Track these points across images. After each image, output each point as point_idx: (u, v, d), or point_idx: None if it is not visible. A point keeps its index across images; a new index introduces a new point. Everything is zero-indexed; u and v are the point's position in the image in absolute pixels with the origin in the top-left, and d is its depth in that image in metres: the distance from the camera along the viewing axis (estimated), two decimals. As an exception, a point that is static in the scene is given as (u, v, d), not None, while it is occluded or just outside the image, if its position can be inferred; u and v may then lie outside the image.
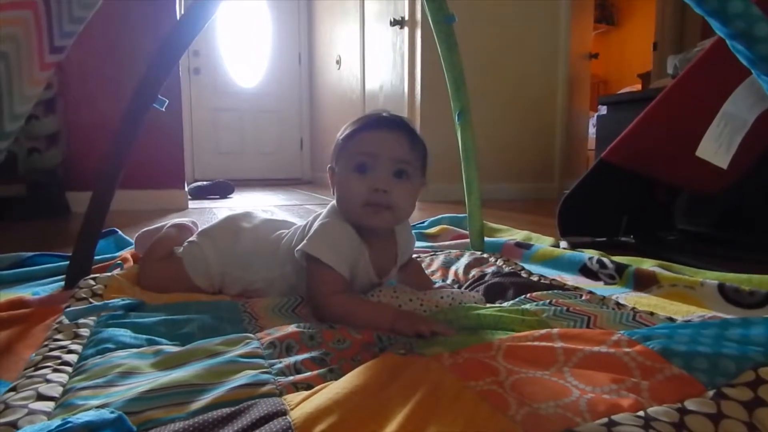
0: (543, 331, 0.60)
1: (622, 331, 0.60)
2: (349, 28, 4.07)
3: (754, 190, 1.47)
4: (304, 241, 0.76)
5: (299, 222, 0.89)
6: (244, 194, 3.65)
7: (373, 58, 3.70)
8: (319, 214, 0.83)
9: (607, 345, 0.56)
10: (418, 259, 1.16)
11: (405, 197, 0.76)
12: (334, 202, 0.82)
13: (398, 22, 3.22)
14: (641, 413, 0.44)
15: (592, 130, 3.78)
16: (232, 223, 0.93)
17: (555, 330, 0.60)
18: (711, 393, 0.46)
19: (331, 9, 4.53)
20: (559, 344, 0.56)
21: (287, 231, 0.88)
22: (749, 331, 0.58)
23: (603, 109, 2.51)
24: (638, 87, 3.97)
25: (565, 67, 3.44)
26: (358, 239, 0.78)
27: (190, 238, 0.93)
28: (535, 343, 0.57)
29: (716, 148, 0.98)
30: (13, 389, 0.49)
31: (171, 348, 0.60)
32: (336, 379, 0.51)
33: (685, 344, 0.53)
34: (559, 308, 0.73)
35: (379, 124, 0.77)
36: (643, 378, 0.50)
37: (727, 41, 0.60)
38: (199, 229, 0.95)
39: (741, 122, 0.93)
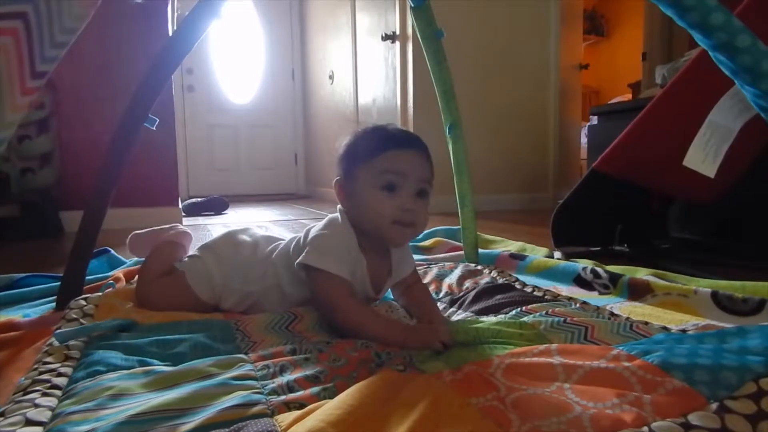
0: (542, 347, 0.60)
1: (620, 346, 0.60)
2: (342, 43, 4.10)
3: (747, 198, 1.47)
4: (303, 254, 0.76)
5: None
6: (238, 210, 3.64)
7: (366, 72, 3.73)
8: (313, 226, 0.83)
9: (606, 360, 0.55)
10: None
11: (425, 215, 0.79)
12: (333, 215, 0.82)
13: (390, 37, 3.25)
14: (645, 429, 0.43)
15: (584, 140, 3.80)
16: (232, 236, 0.94)
17: (554, 345, 0.60)
18: (714, 406, 0.46)
19: (324, 25, 4.58)
20: (558, 360, 0.56)
21: (283, 242, 0.88)
22: (746, 341, 0.58)
23: (594, 119, 2.54)
24: (629, 96, 4.01)
25: (556, 79, 3.47)
26: (357, 249, 0.78)
27: (191, 252, 0.93)
28: (534, 359, 0.57)
29: (703, 157, 0.99)
30: (1, 414, 0.49)
31: (163, 368, 0.60)
32: (330, 398, 0.50)
33: (684, 357, 0.53)
34: (556, 319, 0.73)
35: (408, 144, 0.78)
36: (644, 392, 0.49)
37: (710, 52, 0.61)
38: (199, 245, 0.95)
39: (727, 131, 0.94)
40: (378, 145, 0.77)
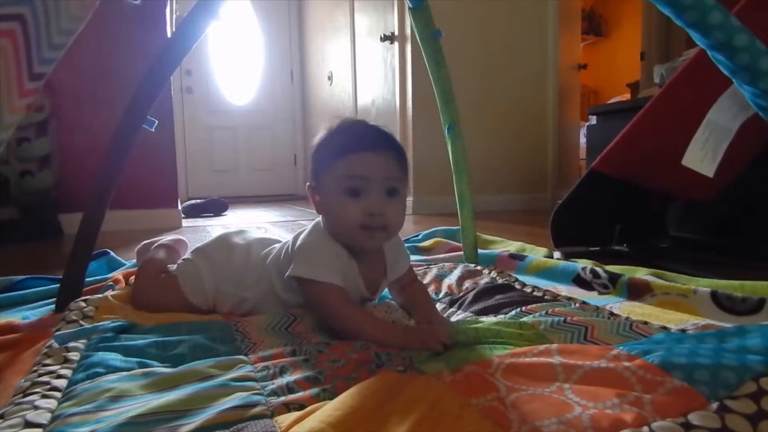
0: (542, 347, 0.60)
1: (620, 346, 0.59)
2: (340, 44, 4.10)
3: (746, 198, 1.47)
4: (293, 265, 0.75)
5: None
6: (238, 211, 3.64)
7: (365, 73, 3.73)
8: (301, 232, 0.82)
9: (606, 360, 0.55)
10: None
11: (397, 215, 0.77)
12: (318, 219, 0.82)
13: (388, 38, 3.25)
14: (645, 429, 0.43)
15: (583, 140, 3.80)
16: (225, 240, 0.93)
17: (554, 345, 0.60)
18: (714, 406, 0.46)
19: (322, 26, 4.58)
20: (558, 360, 0.56)
21: (278, 245, 0.88)
22: (746, 340, 0.58)
23: (593, 119, 2.54)
24: (628, 96, 4.00)
25: (554, 79, 3.48)
26: (346, 254, 0.78)
27: (185, 256, 0.93)
28: (534, 360, 0.57)
29: (702, 156, 0.99)
30: (1, 417, 0.49)
31: (162, 370, 0.60)
32: (330, 399, 0.50)
33: (684, 356, 0.53)
34: (555, 319, 0.73)
35: (368, 145, 0.74)
36: (645, 392, 0.49)
37: (708, 52, 0.61)
38: (194, 248, 0.95)
39: (725, 131, 0.94)
40: (339, 149, 0.75)
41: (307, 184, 0.81)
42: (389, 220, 0.75)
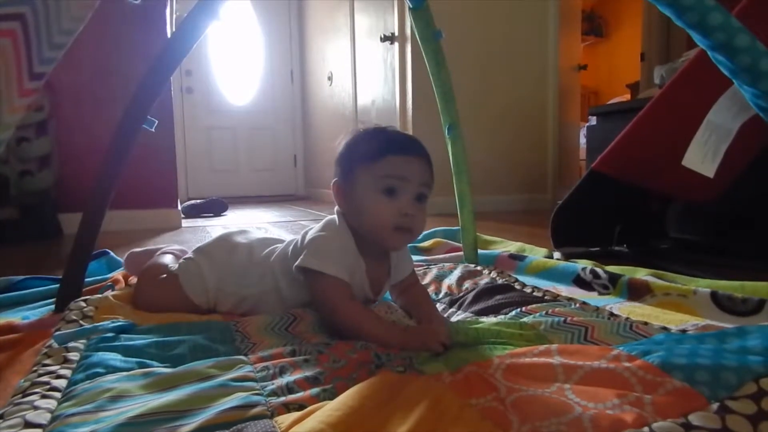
0: (542, 348, 0.60)
1: (620, 347, 0.59)
2: (340, 44, 4.10)
3: (746, 198, 1.48)
4: (301, 257, 0.76)
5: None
6: (238, 211, 3.64)
7: (365, 73, 3.73)
8: (310, 229, 0.83)
9: (606, 360, 0.55)
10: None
11: (423, 219, 0.79)
12: (332, 217, 0.82)
13: (388, 38, 3.25)
14: (646, 429, 0.43)
15: (583, 141, 3.81)
16: (227, 239, 0.93)
17: (554, 346, 0.60)
18: (714, 406, 0.46)
19: (322, 26, 4.58)
20: (558, 361, 0.56)
21: (281, 245, 0.88)
22: (746, 341, 0.58)
23: (593, 120, 2.54)
24: (628, 97, 4.01)
25: (555, 79, 3.48)
26: (356, 252, 0.78)
27: (186, 255, 0.93)
28: (534, 360, 0.57)
29: (702, 157, 0.99)
30: (1, 417, 0.49)
31: (162, 370, 0.60)
32: (330, 399, 0.50)
33: (684, 357, 0.53)
34: (556, 319, 0.73)
35: (410, 148, 0.78)
36: (645, 392, 0.49)
37: (709, 53, 0.61)
38: (195, 247, 0.95)
39: (725, 131, 0.94)
40: (380, 148, 0.77)
41: (334, 180, 0.82)
42: (417, 223, 0.77)
